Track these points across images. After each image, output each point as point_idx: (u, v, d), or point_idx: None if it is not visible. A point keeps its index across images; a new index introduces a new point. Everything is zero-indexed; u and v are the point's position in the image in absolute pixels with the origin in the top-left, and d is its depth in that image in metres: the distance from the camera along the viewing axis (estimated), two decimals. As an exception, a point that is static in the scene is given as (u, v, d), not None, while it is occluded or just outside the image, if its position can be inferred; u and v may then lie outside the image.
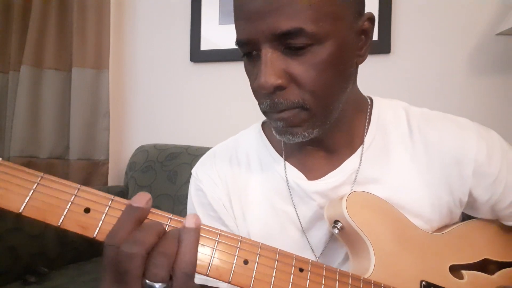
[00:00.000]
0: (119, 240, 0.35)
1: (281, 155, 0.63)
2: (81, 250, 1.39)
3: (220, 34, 1.63)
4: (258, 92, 0.50)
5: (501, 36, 1.30)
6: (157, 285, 0.35)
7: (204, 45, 1.65)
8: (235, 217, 0.64)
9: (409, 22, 1.42)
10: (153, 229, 0.36)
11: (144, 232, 0.36)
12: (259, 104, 0.53)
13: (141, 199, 0.37)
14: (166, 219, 0.39)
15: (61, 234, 1.30)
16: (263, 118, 0.65)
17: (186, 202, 0.71)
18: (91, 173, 1.67)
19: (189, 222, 0.38)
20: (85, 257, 1.39)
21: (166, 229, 0.38)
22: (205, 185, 0.66)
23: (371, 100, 0.64)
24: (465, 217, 0.64)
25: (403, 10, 1.43)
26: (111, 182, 1.74)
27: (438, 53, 1.40)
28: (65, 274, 1.22)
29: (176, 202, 1.42)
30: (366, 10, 0.54)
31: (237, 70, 1.60)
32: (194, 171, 0.69)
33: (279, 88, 0.49)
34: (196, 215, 0.39)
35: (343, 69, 0.51)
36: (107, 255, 0.35)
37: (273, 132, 0.56)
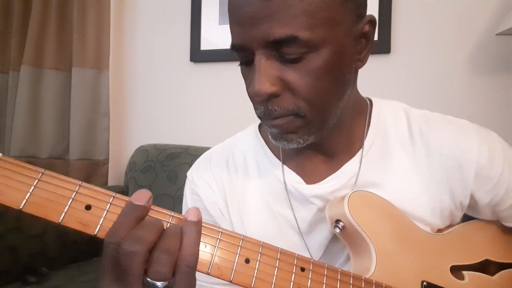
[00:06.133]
0: (120, 238, 0.34)
1: (279, 158, 0.62)
2: (81, 250, 1.39)
3: (220, 34, 1.63)
4: (253, 98, 0.50)
5: (501, 36, 1.30)
6: (159, 283, 0.34)
7: (204, 45, 1.65)
8: (232, 222, 0.63)
9: (409, 22, 1.42)
10: (154, 226, 0.36)
11: (145, 229, 0.35)
12: (255, 109, 0.53)
13: (142, 197, 0.36)
14: (167, 217, 0.39)
15: (61, 234, 1.30)
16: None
17: (187, 202, 0.70)
18: (91, 173, 1.66)
19: (191, 215, 0.38)
20: (85, 257, 1.39)
21: (167, 226, 0.38)
22: (201, 189, 0.65)
23: (371, 101, 0.63)
24: (465, 218, 0.64)
25: (403, 10, 1.43)
26: (111, 182, 1.74)
27: (438, 53, 1.40)
28: (65, 274, 1.22)
29: (176, 202, 1.42)
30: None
31: (237, 70, 1.57)
32: (189, 174, 0.68)
33: (273, 96, 0.47)
34: (197, 209, 0.38)
35: (340, 75, 0.49)
36: (107, 253, 0.35)
37: (269, 137, 0.55)
